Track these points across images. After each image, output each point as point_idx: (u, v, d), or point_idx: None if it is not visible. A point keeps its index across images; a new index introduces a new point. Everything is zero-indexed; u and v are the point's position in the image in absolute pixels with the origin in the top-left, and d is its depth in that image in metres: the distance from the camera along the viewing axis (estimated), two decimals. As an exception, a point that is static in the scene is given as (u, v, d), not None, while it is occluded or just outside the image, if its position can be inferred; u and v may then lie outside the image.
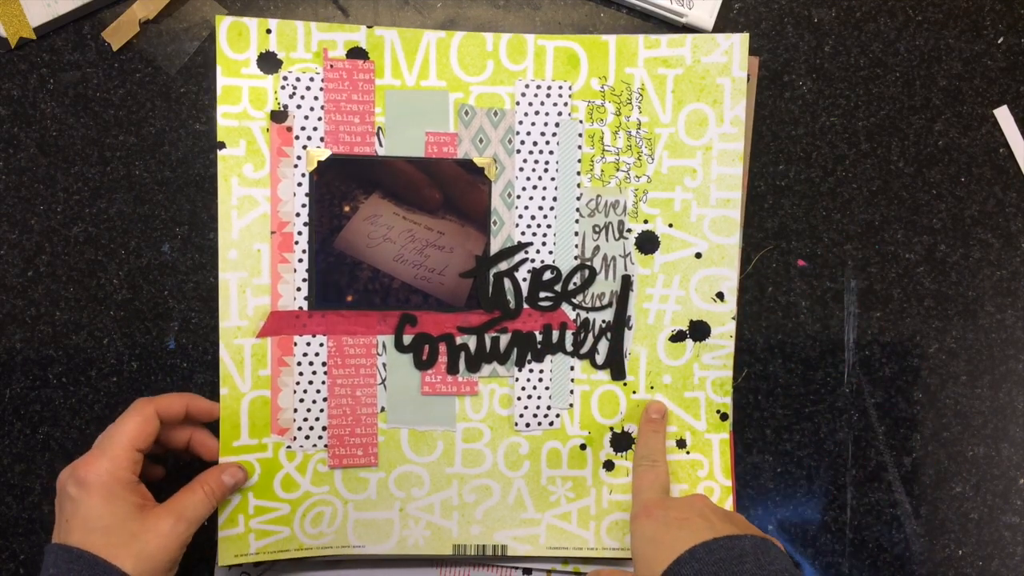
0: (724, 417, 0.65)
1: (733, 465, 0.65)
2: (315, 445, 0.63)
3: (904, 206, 0.66)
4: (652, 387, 0.64)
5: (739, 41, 0.63)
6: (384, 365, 0.63)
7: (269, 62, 0.62)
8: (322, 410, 0.63)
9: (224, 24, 0.61)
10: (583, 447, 0.64)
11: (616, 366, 0.64)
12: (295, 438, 0.63)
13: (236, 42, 0.61)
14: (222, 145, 0.62)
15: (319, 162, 0.62)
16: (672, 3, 0.64)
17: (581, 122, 0.63)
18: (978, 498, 0.66)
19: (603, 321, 0.64)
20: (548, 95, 0.63)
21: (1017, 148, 0.66)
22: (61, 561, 0.53)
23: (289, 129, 0.62)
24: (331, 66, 0.62)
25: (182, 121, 0.65)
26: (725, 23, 0.65)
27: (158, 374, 0.65)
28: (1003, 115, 0.66)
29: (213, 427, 0.63)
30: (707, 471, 0.65)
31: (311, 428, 0.63)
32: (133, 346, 0.65)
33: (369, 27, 0.62)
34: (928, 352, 0.66)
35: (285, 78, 0.62)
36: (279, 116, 0.62)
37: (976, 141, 0.66)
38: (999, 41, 0.66)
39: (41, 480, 0.65)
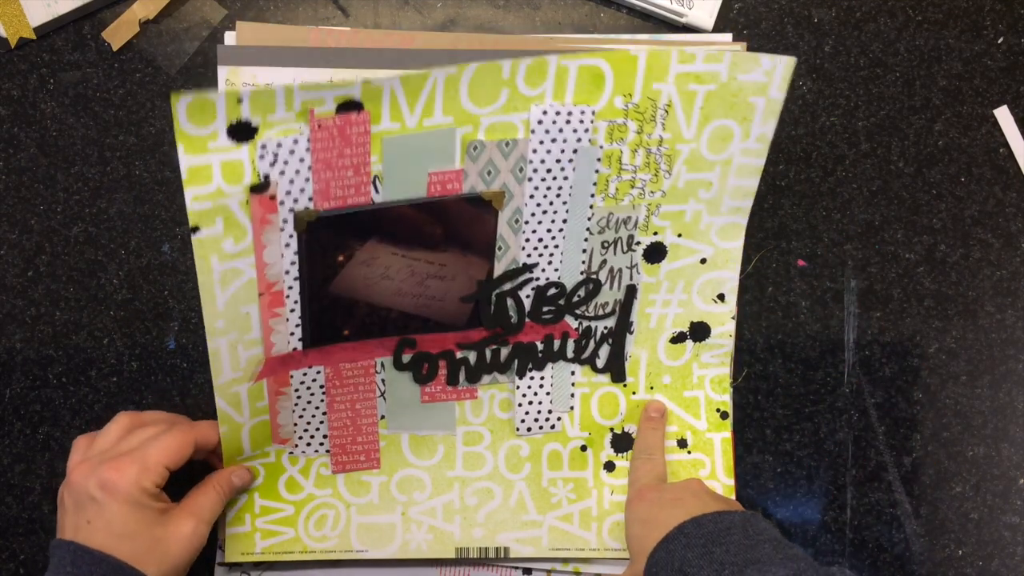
0: (724, 416, 0.65)
1: (735, 464, 0.65)
2: (316, 451, 0.63)
3: (904, 206, 0.66)
4: (652, 388, 0.64)
5: (784, 64, 0.56)
6: (383, 380, 0.62)
7: (241, 132, 0.51)
8: (322, 422, 0.63)
9: (181, 104, 0.49)
10: (583, 448, 0.64)
11: (617, 370, 0.64)
12: (296, 445, 0.63)
13: (199, 116, 0.50)
14: (196, 229, 0.53)
15: (308, 223, 0.55)
16: (672, 3, 0.64)
17: (601, 147, 0.57)
18: (978, 498, 0.66)
19: (605, 328, 0.63)
20: (568, 121, 0.56)
21: (1017, 148, 0.66)
22: (82, 562, 0.52)
23: (272, 198, 0.53)
24: (319, 126, 0.53)
25: (182, 121, 0.65)
26: (725, 23, 0.65)
27: (158, 374, 0.65)
28: (1003, 115, 0.66)
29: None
30: (709, 470, 0.64)
31: (312, 437, 0.63)
32: (133, 346, 0.65)
33: (365, 81, 0.52)
34: (928, 352, 0.66)
35: (264, 146, 0.52)
36: (260, 188, 0.53)
37: (976, 141, 0.66)
38: (999, 41, 0.66)
39: (41, 480, 0.65)
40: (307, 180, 0.54)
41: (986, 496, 0.66)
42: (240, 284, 0.55)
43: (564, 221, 0.59)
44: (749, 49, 0.65)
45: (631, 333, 0.64)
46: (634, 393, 0.64)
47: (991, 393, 0.66)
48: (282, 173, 0.53)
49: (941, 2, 0.66)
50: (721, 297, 0.63)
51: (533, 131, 0.56)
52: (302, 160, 0.53)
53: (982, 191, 0.66)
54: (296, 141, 0.53)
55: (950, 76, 0.66)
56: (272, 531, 0.63)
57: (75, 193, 0.65)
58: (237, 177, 0.52)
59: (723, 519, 0.53)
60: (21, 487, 0.65)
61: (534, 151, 0.57)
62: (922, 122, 0.66)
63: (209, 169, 0.52)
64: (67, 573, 0.52)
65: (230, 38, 0.64)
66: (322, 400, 0.62)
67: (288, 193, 0.54)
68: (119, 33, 0.64)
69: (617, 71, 0.56)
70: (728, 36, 0.65)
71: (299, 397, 0.61)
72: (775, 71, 0.56)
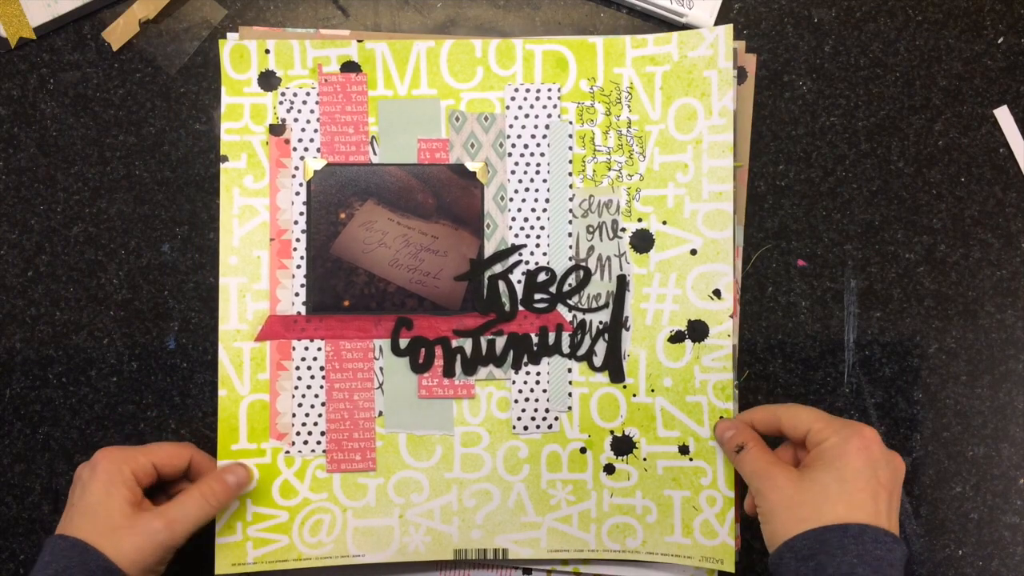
0: (726, 421, 0.64)
1: (736, 473, 0.64)
2: (313, 450, 0.63)
3: (904, 206, 0.66)
4: (653, 390, 0.64)
5: (723, 33, 0.62)
6: (381, 369, 0.63)
7: (269, 80, 0.64)
8: (320, 415, 0.63)
9: (227, 48, 0.63)
10: (583, 451, 0.64)
11: (615, 368, 0.64)
12: (293, 443, 0.63)
13: (238, 63, 0.63)
14: (225, 159, 0.63)
15: (315, 171, 0.63)
16: (672, 3, 0.64)
17: (571, 123, 0.64)
18: (978, 498, 0.66)
19: (600, 322, 0.64)
20: (537, 98, 0.64)
21: (1017, 148, 0.66)
22: (57, 549, 0.55)
23: (287, 141, 0.64)
24: (325, 80, 0.64)
25: (182, 121, 0.65)
26: (725, 23, 0.65)
27: (158, 374, 0.65)
28: (1003, 115, 0.66)
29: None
30: (710, 479, 0.63)
31: (309, 433, 0.63)
32: (133, 346, 0.65)
33: (360, 41, 0.63)
34: (928, 352, 0.66)
35: (283, 94, 0.64)
36: (277, 129, 0.63)
37: (976, 141, 0.66)
38: (999, 41, 0.66)
39: (41, 480, 0.65)
40: (316, 131, 0.64)
41: (986, 496, 0.66)
42: (255, 224, 0.63)
43: (547, 200, 0.64)
44: (748, 49, 0.66)
45: (627, 329, 0.64)
46: (635, 395, 0.64)
47: (991, 393, 0.66)
48: (296, 120, 0.64)
49: (941, 2, 0.66)
50: (717, 293, 0.63)
51: (508, 107, 0.64)
52: (312, 111, 0.64)
53: (982, 191, 0.66)
54: (308, 94, 0.64)
55: (950, 76, 0.66)
56: (265, 539, 0.62)
57: (75, 193, 0.65)
58: (261, 118, 0.64)
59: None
60: (21, 487, 0.65)
61: (510, 126, 0.64)
62: (922, 122, 0.66)
63: (241, 108, 0.64)
64: (44, 563, 0.54)
65: (232, 40, 0.64)
66: (321, 387, 0.63)
67: (300, 140, 0.64)
68: (119, 33, 0.64)
69: (579, 57, 0.64)
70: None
71: (299, 379, 0.63)
72: (718, 42, 0.62)
